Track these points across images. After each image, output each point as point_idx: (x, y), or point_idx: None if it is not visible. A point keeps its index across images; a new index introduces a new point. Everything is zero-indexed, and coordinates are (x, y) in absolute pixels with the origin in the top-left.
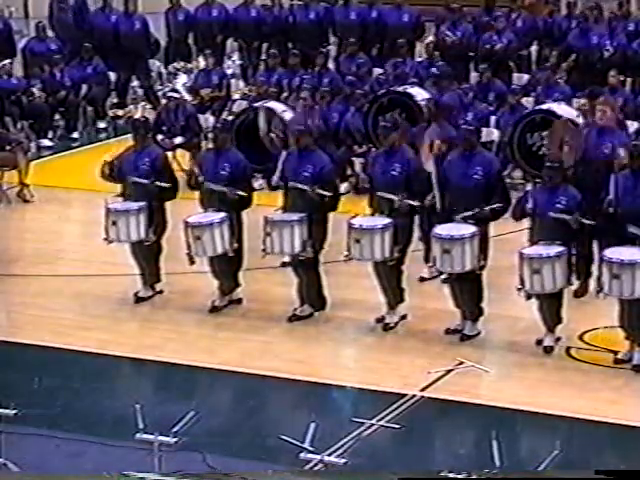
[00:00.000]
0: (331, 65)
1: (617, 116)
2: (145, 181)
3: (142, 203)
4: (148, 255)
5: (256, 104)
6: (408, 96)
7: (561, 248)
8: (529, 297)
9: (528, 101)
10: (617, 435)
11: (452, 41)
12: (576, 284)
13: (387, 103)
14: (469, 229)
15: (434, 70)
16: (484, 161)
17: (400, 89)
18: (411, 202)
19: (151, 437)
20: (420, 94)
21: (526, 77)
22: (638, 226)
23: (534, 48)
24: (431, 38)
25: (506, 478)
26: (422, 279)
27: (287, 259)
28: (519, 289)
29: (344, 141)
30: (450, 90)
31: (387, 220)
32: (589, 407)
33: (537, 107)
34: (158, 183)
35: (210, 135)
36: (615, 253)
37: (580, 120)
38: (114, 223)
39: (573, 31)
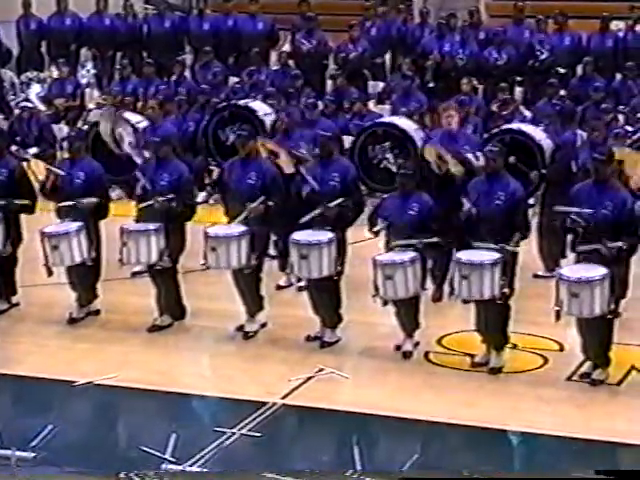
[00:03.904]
0: (187, 74)
1: (461, 119)
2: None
3: None
4: (3, 267)
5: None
6: (249, 110)
7: (414, 254)
8: (385, 303)
9: (384, 109)
10: (474, 437)
11: (307, 49)
12: (432, 289)
13: (228, 116)
14: (326, 235)
15: (286, 81)
16: (341, 168)
17: (242, 103)
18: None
19: (8, 452)
20: (262, 109)
21: (381, 85)
22: (491, 230)
23: (388, 56)
24: (287, 47)
25: (506, 478)
26: (279, 287)
27: (138, 269)
28: (374, 295)
29: (201, 150)
30: (295, 103)
31: (243, 228)
32: (447, 410)
33: (379, 120)
34: (18, 201)
35: (65, 145)
36: (465, 255)
37: (419, 133)
38: None
39: (426, 37)
